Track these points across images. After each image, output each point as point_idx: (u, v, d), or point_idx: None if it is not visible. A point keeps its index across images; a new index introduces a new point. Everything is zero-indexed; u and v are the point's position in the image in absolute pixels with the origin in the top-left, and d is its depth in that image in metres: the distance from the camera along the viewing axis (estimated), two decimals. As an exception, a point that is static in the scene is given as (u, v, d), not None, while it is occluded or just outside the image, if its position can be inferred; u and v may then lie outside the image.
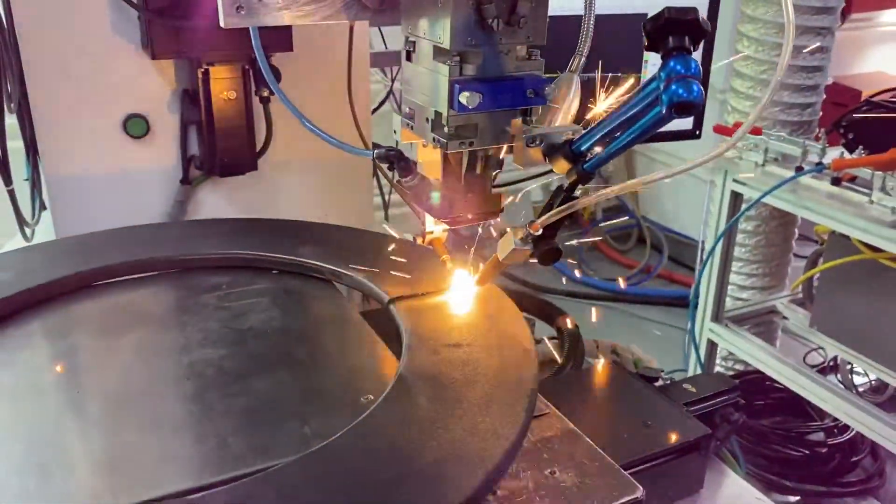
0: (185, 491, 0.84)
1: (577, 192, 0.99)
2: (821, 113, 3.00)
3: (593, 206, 4.68)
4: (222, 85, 1.66)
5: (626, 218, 4.71)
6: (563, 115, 1.06)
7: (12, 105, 1.68)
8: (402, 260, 1.29)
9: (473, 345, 1.09)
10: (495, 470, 0.86)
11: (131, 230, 1.47)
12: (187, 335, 1.16)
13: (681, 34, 0.81)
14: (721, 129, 2.76)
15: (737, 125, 2.77)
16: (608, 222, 4.73)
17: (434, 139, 1.06)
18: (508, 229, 1.04)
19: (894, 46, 4.40)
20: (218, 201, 1.82)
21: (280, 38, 1.61)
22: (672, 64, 0.81)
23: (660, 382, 1.37)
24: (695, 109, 0.79)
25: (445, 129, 1.03)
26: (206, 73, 1.65)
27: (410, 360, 1.04)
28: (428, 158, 1.15)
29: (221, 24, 0.99)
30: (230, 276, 1.32)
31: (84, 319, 1.22)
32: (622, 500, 0.92)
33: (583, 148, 0.96)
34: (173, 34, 1.56)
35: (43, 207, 1.78)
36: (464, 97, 0.98)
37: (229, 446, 0.92)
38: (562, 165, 0.98)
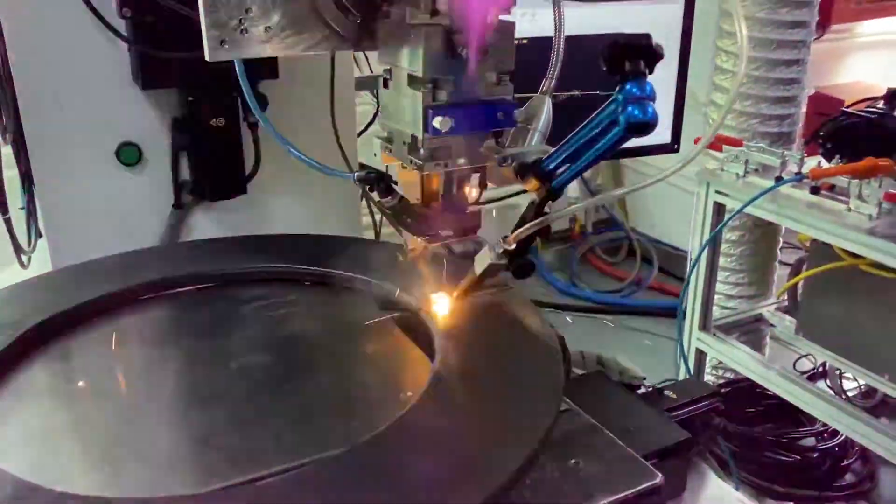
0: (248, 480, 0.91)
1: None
2: (801, 123, 3.05)
3: (584, 220, 4.72)
4: (211, 112, 1.71)
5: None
6: (536, 136, 1.11)
7: (7, 136, 1.72)
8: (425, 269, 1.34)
9: (501, 345, 1.17)
10: (530, 458, 0.93)
11: (166, 249, 1.60)
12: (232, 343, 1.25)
13: (636, 59, 0.87)
14: (702, 142, 2.79)
15: (718, 138, 2.80)
16: (598, 235, 4.76)
17: (411, 161, 1.11)
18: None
19: (872, 56, 4.48)
20: (209, 224, 1.85)
21: (266, 66, 1.67)
22: (628, 87, 0.86)
23: (642, 390, 1.41)
24: (650, 129, 0.84)
25: (421, 152, 1.09)
26: (195, 101, 1.70)
27: (443, 360, 1.11)
28: (407, 179, 1.20)
29: (207, 58, 1.04)
30: (265, 289, 1.40)
31: (135, 331, 1.30)
32: (642, 486, 1.00)
33: (551, 167, 1.01)
34: (162, 66, 1.62)
35: (39, 235, 1.82)
36: (437, 122, 1.03)
37: (277, 442, 1.00)
38: (533, 184, 1.03)
